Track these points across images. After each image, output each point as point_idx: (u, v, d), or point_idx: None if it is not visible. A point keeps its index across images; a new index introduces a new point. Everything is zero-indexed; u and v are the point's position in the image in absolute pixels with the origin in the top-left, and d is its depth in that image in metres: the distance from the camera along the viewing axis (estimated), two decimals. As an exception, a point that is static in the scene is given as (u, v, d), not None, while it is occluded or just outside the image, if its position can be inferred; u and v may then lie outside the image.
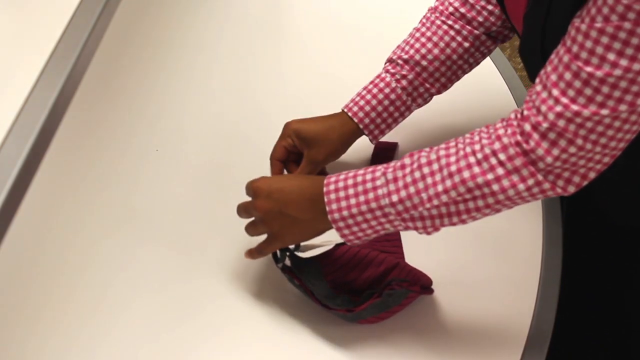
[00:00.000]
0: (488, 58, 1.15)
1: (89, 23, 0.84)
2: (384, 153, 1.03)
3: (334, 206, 0.77)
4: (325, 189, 0.78)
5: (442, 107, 1.07)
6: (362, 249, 0.87)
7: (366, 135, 0.99)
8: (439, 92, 0.99)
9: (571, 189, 0.72)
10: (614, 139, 0.68)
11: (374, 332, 0.84)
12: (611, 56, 0.63)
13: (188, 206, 0.98)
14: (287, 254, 0.86)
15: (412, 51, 0.96)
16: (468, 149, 0.73)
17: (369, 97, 0.97)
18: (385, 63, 0.99)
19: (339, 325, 0.84)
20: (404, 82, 0.97)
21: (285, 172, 0.99)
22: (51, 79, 0.77)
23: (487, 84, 1.13)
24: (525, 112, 0.70)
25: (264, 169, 1.02)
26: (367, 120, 0.97)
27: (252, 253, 0.85)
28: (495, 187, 0.71)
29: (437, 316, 0.86)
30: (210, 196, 0.99)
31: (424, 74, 0.97)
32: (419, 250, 0.88)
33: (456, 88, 1.01)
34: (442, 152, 0.75)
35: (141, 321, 0.84)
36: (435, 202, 0.73)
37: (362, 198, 0.76)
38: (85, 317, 0.84)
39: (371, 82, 0.98)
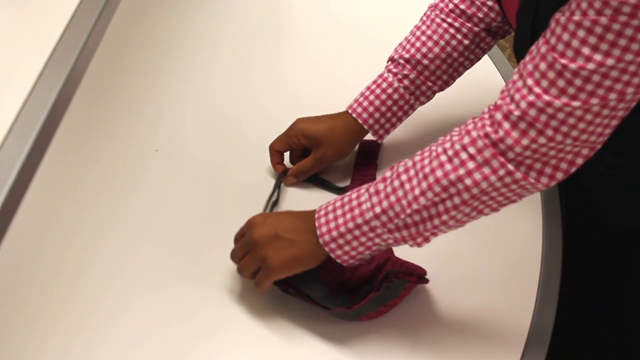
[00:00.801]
0: (488, 58, 1.15)
1: (89, 23, 0.84)
2: (369, 149, 1.04)
3: (324, 229, 0.78)
4: (316, 215, 0.80)
5: (441, 107, 1.07)
6: None
7: (372, 135, 1.00)
8: (441, 89, 1.00)
9: (544, 181, 0.71)
10: (585, 132, 0.68)
11: (374, 332, 0.84)
12: (586, 50, 0.63)
13: (188, 206, 0.98)
14: None
15: (413, 50, 0.97)
16: (439, 149, 0.73)
17: (372, 97, 0.98)
18: (387, 62, 0.99)
19: (338, 323, 0.84)
20: (406, 82, 0.97)
21: (285, 164, 1.01)
22: (51, 79, 0.78)
23: (486, 84, 1.13)
24: (499, 102, 0.71)
25: (264, 169, 1.02)
26: (371, 121, 0.98)
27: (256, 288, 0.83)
28: (467, 181, 0.71)
29: (437, 316, 0.86)
30: (210, 196, 0.99)
31: (426, 72, 0.97)
32: (419, 250, 0.88)
33: (456, 88, 1.01)
34: (417, 158, 0.76)
35: (141, 321, 0.84)
36: (415, 206, 0.73)
37: (348, 216, 0.77)
38: (85, 317, 0.84)
39: (374, 82, 0.99)
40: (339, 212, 0.78)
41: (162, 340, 0.83)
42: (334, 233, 0.78)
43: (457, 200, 0.72)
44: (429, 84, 0.98)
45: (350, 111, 0.99)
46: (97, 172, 1.00)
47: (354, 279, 0.85)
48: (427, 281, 0.85)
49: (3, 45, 0.83)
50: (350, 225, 0.77)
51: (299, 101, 1.12)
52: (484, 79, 1.13)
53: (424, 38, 0.97)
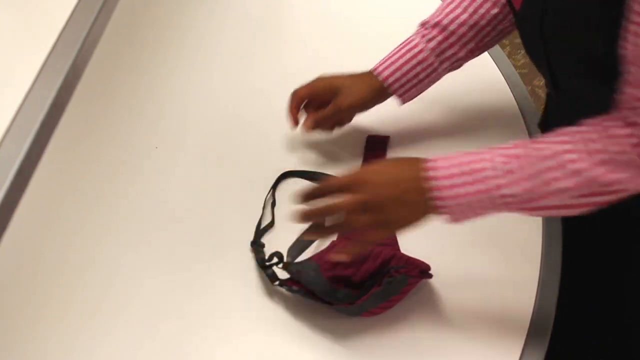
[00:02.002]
0: (487, 55, 1.15)
1: (88, 21, 0.84)
2: (376, 146, 1.04)
3: (448, 193, 0.76)
4: (431, 173, 0.77)
5: (442, 104, 1.07)
6: None
7: (393, 94, 1.00)
8: (467, 57, 1.00)
9: None
10: None
11: (375, 324, 0.84)
12: None
13: (188, 204, 0.98)
14: (279, 266, 0.86)
15: (441, 15, 0.98)
16: (591, 146, 0.73)
17: (396, 57, 0.99)
18: (418, 27, 1.01)
19: (340, 318, 0.84)
20: (432, 44, 0.98)
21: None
22: (50, 76, 0.77)
23: (486, 82, 1.13)
24: (633, 117, 0.71)
25: (264, 168, 1.02)
26: (391, 80, 0.99)
27: (348, 252, 0.80)
28: (630, 185, 0.72)
29: (437, 313, 0.86)
30: (209, 194, 0.99)
31: (452, 37, 0.98)
32: (419, 248, 0.88)
33: (456, 85, 1.02)
34: (558, 147, 0.74)
35: (141, 321, 0.84)
36: (559, 198, 0.73)
37: (481, 186, 0.75)
38: (85, 317, 0.84)
39: (400, 44, 1.00)
40: (468, 178, 0.75)
41: (162, 339, 0.83)
42: (462, 200, 0.76)
43: (606, 197, 0.73)
44: (455, 49, 0.98)
45: (373, 70, 1.00)
46: (96, 170, 1.00)
47: (358, 275, 0.85)
48: (430, 276, 0.85)
49: (2, 43, 0.82)
50: (483, 197, 0.75)
51: (299, 100, 1.11)
52: (484, 77, 1.13)
53: (453, 5, 0.98)
